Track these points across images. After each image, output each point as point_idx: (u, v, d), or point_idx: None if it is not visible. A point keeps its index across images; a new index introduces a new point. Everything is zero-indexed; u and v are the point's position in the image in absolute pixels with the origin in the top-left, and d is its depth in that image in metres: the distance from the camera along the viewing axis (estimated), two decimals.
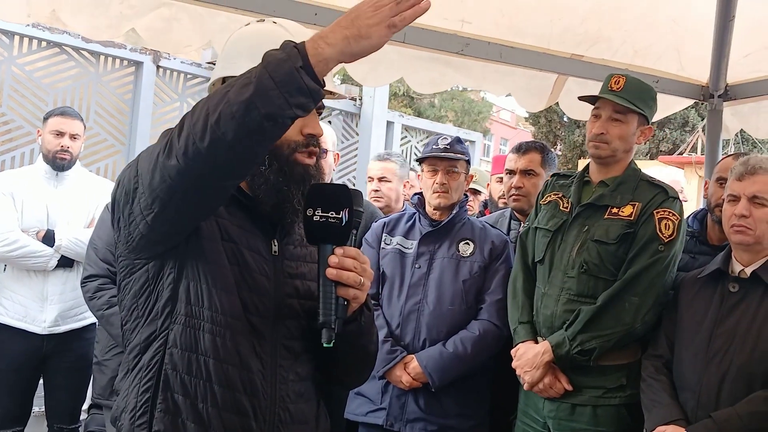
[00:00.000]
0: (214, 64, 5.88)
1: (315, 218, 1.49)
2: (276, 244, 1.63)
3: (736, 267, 2.42)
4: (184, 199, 1.40)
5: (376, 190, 3.95)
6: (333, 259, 1.48)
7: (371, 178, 4.02)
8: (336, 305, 1.50)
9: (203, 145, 1.31)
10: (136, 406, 1.52)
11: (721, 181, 2.84)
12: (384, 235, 3.08)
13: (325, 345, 1.50)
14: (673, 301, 2.58)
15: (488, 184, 4.61)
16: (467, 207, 3.14)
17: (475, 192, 4.67)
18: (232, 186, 1.45)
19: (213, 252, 1.53)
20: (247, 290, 1.55)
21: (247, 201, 1.61)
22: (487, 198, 4.53)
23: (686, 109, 4.12)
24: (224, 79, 1.64)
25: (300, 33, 1.64)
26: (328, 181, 3.32)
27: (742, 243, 2.38)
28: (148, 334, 1.55)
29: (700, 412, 2.32)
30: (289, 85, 1.30)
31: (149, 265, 1.55)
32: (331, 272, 1.48)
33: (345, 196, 1.51)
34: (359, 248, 1.65)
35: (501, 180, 3.99)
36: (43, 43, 5.66)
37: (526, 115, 23.14)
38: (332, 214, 1.49)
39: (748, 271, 2.38)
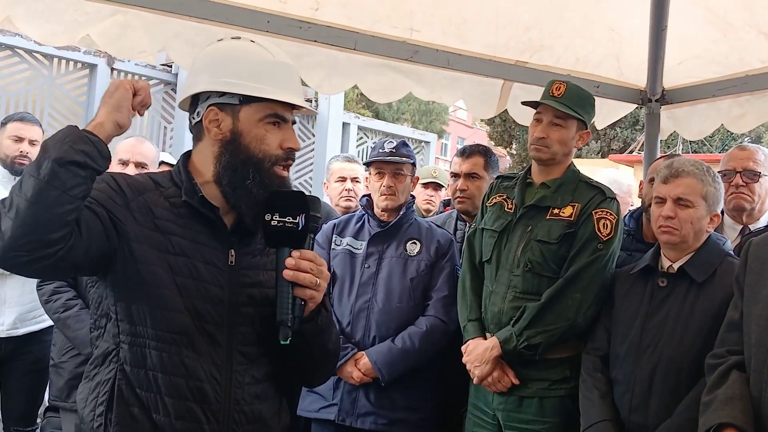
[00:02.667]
0: (169, 66, 5.91)
1: (273, 223, 1.60)
2: (233, 254, 1.71)
3: (665, 263, 2.53)
4: (24, 268, 1.51)
5: (350, 190, 4.00)
6: (289, 261, 1.59)
7: (343, 178, 4.05)
8: (292, 305, 1.60)
9: (11, 214, 1.40)
10: (94, 419, 1.61)
11: (654, 181, 2.98)
12: (334, 236, 3.17)
13: (282, 342, 1.60)
14: (609, 295, 2.68)
15: (448, 184, 4.73)
16: (414, 207, 3.24)
17: (438, 187, 4.75)
18: (57, 242, 1.46)
19: (150, 274, 1.60)
20: (201, 300, 1.64)
21: (211, 213, 1.69)
22: (448, 197, 4.63)
23: (636, 108, 4.24)
24: (193, 97, 1.74)
25: (245, 48, 1.74)
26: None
27: (669, 242, 2.49)
28: (104, 350, 1.65)
29: (635, 401, 2.43)
30: (70, 136, 1.46)
31: (98, 283, 1.66)
32: (287, 273, 1.59)
33: (301, 202, 1.61)
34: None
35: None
36: None
37: None
38: (289, 219, 1.60)
39: (676, 266, 2.49)
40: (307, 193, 1.70)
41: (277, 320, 1.60)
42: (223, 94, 1.68)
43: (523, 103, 2.99)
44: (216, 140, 1.70)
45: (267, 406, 1.75)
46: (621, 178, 4.68)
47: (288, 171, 1.73)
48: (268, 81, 1.69)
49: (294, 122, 1.76)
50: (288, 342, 1.60)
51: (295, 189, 1.71)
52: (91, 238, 1.52)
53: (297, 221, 1.59)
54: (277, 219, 1.60)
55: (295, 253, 1.60)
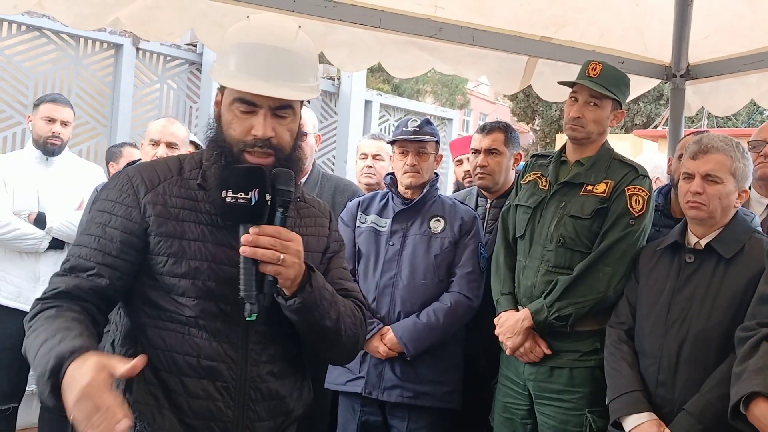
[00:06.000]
0: (194, 46, 5.95)
1: (227, 199, 1.59)
2: None
3: (692, 239, 2.54)
4: None
5: (370, 167, 4.02)
6: (245, 238, 1.58)
7: (365, 155, 4.07)
8: (261, 282, 1.60)
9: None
10: None
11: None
12: (359, 213, 3.20)
13: (246, 318, 1.61)
14: (634, 270, 2.71)
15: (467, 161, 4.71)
16: (438, 185, 3.25)
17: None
18: None
19: (165, 262, 1.66)
20: (217, 281, 1.67)
21: None
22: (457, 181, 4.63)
23: (661, 82, 4.23)
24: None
25: (281, 25, 1.72)
26: (309, 164, 3.44)
27: (697, 218, 2.50)
28: (123, 333, 1.72)
29: (662, 375, 2.46)
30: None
31: None
32: (243, 250, 1.58)
33: (255, 178, 1.59)
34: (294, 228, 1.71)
35: (460, 163, 4.12)
36: (23, 27, 5.65)
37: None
38: (241, 195, 1.58)
39: (703, 242, 2.51)
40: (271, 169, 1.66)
41: (240, 296, 1.60)
42: None
43: (560, 82, 3.02)
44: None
45: (284, 384, 1.78)
46: (662, 163, 4.61)
47: (269, 158, 1.66)
48: (233, 64, 1.65)
49: (281, 107, 1.67)
50: (254, 318, 1.60)
51: (252, 165, 1.66)
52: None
53: (249, 197, 1.57)
54: (231, 195, 1.59)
55: (253, 229, 1.58)
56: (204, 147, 1.75)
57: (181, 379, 1.66)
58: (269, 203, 1.61)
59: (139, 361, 1.40)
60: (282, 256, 1.59)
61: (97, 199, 1.75)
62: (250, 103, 1.65)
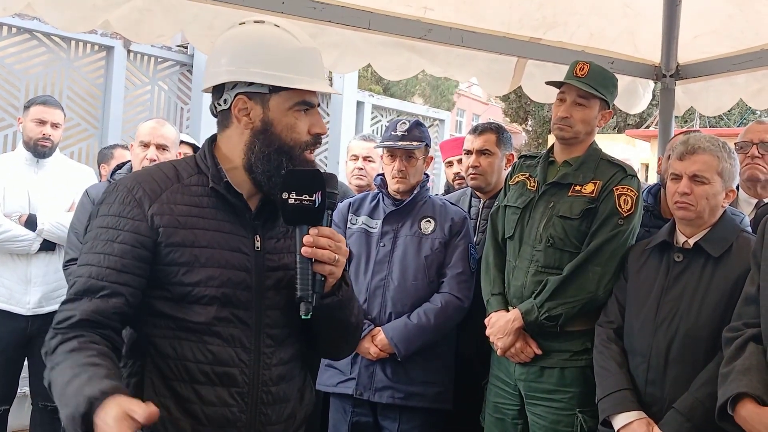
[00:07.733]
0: (184, 47, 5.93)
1: (290, 201, 1.60)
2: (259, 240, 1.73)
3: (680, 238, 2.56)
4: None
5: (361, 169, 4.02)
6: (307, 239, 1.60)
7: (356, 157, 4.06)
8: (313, 281, 1.62)
9: None
10: None
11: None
12: (350, 215, 3.20)
13: (303, 317, 1.62)
14: (622, 269, 2.72)
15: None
16: (428, 186, 3.27)
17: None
18: None
19: (177, 272, 1.64)
20: (231, 287, 1.66)
21: (236, 200, 1.71)
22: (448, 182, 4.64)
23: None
24: (214, 87, 1.74)
25: (272, 34, 1.71)
26: None
27: (685, 218, 2.52)
28: (130, 345, 1.69)
29: (651, 373, 2.47)
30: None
31: None
32: (305, 250, 1.60)
33: (318, 180, 1.61)
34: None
35: (450, 164, 4.14)
36: (14, 30, 5.66)
37: None
38: (306, 197, 1.60)
39: (692, 242, 2.52)
40: (323, 170, 1.71)
41: (298, 296, 1.62)
42: (251, 83, 1.68)
43: (547, 83, 3.04)
44: (246, 129, 1.70)
45: (292, 386, 1.79)
46: (633, 160, 4.67)
47: (313, 153, 1.75)
48: (296, 69, 1.68)
49: (319, 104, 1.77)
50: (309, 317, 1.62)
51: (313, 168, 1.71)
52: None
53: (314, 199, 1.59)
54: (294, 197, 1.59)
55: (313, 231, 1.61)
56: (254, 157, 1.71)
57: (195, 387, 1.65)
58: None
59: (154, 409, 1.39)
60: (337, 257, 1.63)
61: (96, 215, 1.69)
62: (309, 104, 1.72)
